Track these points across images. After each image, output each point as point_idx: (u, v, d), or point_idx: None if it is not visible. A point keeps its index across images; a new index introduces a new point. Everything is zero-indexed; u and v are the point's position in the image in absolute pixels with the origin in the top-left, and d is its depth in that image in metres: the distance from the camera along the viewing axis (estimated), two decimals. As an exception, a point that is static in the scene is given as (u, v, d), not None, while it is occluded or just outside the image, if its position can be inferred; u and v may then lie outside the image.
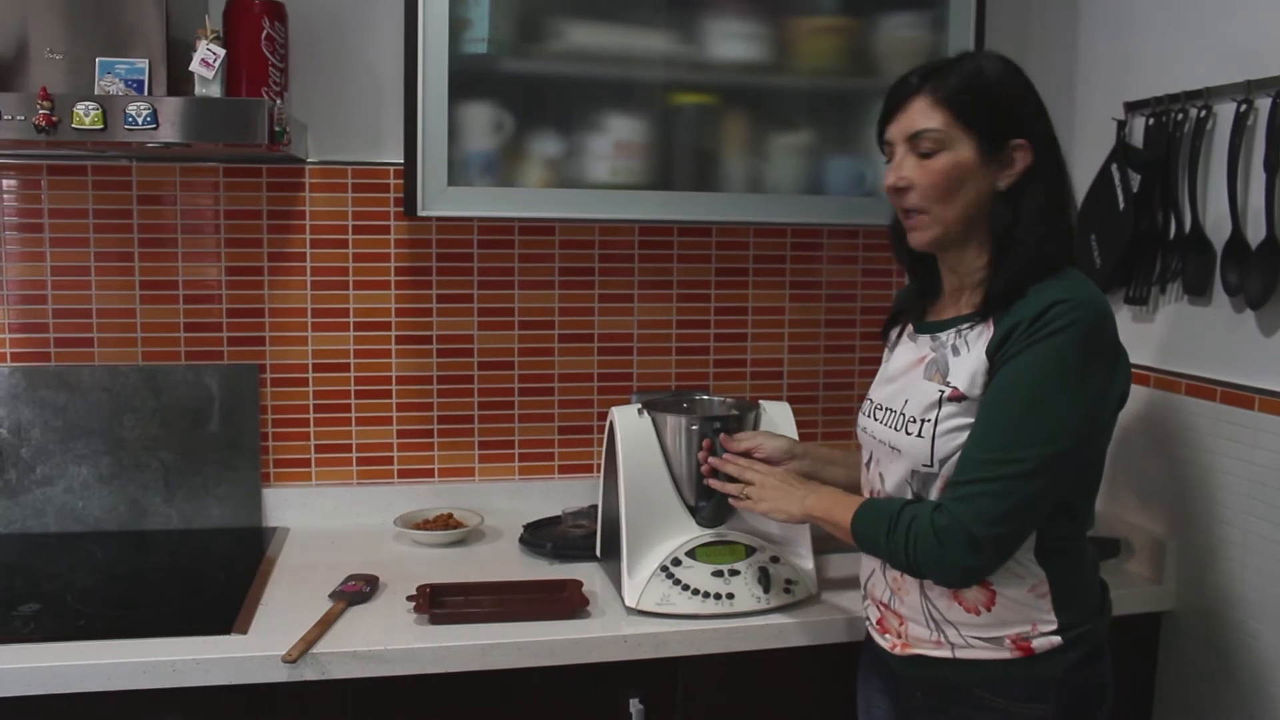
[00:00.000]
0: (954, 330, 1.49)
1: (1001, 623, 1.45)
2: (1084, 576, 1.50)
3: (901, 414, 1.51)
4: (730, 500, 1.73)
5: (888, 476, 1.53)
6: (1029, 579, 1.45)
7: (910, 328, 1.60)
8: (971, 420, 1.42)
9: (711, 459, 1.76)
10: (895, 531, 1.43)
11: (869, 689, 1.66)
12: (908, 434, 1.49)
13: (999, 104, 1.46)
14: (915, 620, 1.52)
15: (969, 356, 1.45)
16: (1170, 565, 1.96)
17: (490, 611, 1.75)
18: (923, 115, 1.46)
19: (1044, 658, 1.45)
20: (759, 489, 1.69)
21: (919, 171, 1.46)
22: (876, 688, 1.63)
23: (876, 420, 1.57)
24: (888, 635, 1.57)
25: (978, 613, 1.46)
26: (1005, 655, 1.45)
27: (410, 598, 1.75)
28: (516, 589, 1.84)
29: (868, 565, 1.62)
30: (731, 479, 1.74)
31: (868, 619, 1.63)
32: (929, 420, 1.46)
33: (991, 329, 1.43)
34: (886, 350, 1.67)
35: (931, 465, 1.45)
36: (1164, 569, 1.96)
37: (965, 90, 1.45)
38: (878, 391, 1.61)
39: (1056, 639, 1.44)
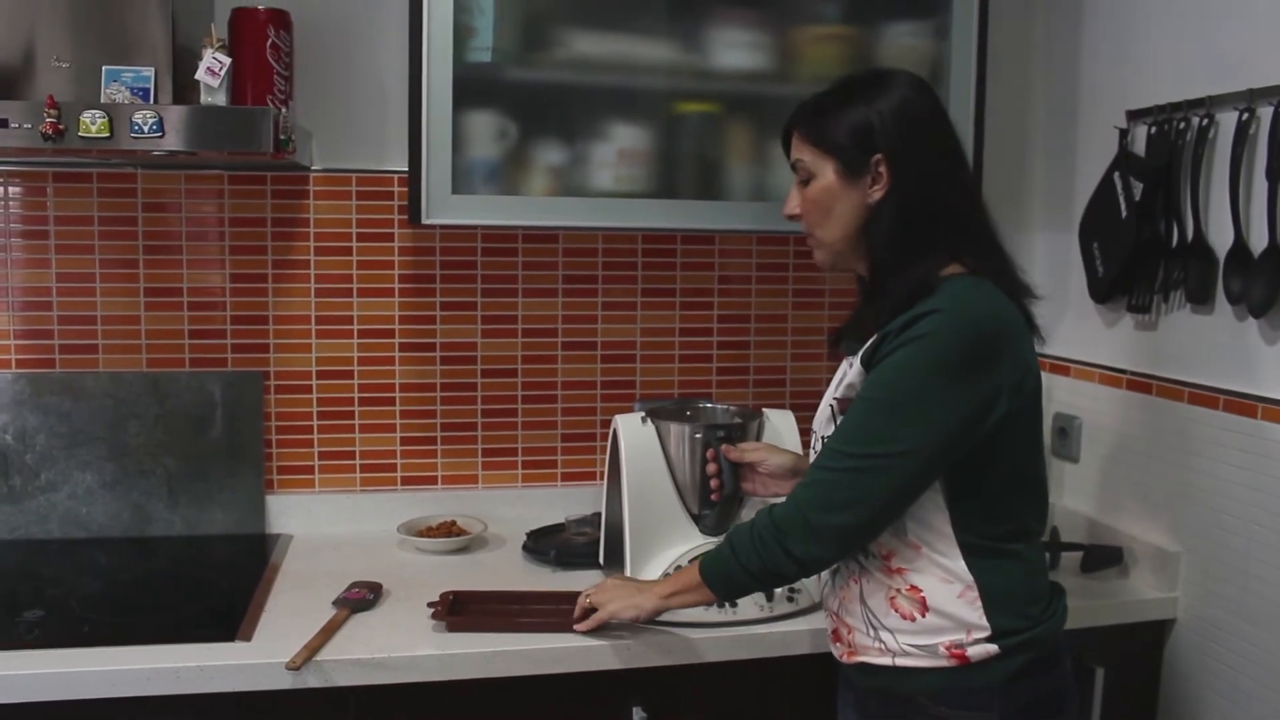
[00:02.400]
0: (862, 349, 1.51)
1: (936, 629, 1.45)
2: (1020, 582, 1.48)
3: (815, 434, 1.58)
4: (584, 617, 1.69)
5: None
6: (957, 584, 1.45)
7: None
8: None
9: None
10: (739, 545, 1.48)
11: (843, 704, 1.66)
12: (815, 451, 1.55)
13: (847, 123, 1.50)
14: (859, 629, 1.53)
15: (858, 366, 1.48)
16: (1173, 574, 1.95)
17: (510, 622, 1.75)
18: (796, 148, 1.56)
19: (981, 666, 1.44)
20: (599, 593, 1.68)
21: (800, 200, 1.56)
22: (849, 701, 1.63)
23: (812, 446, 1.62)
24: (838, 644, 1.58)
25: (912, 619, 1.46)
26: (942, 664, 1.45)
27: (431, 604, 1.75)
28: (535, 599, 1.84)
29: (823, 578, 1.63)
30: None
31: (827, 630, 1.64)
32: (827, 436, 1.51)
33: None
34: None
35: None
36: (1167, 578, 1.96)
37: (816, 117, 1.54)
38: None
39: (993, 647, 1.43)
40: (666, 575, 1.74)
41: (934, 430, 1.38)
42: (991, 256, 1.50)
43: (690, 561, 1.60)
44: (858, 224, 1.51)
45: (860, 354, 1.47)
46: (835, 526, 1.41)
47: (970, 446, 1.41)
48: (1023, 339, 1.45)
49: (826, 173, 1.51)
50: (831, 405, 1.53)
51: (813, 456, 1.57)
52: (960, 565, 1.44)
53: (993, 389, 1.40)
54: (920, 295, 1.42)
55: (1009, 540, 1.47)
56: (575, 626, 1.68)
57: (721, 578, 1.53)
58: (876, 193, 1.49)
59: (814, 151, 1.53)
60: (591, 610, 1.67)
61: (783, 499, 1.51)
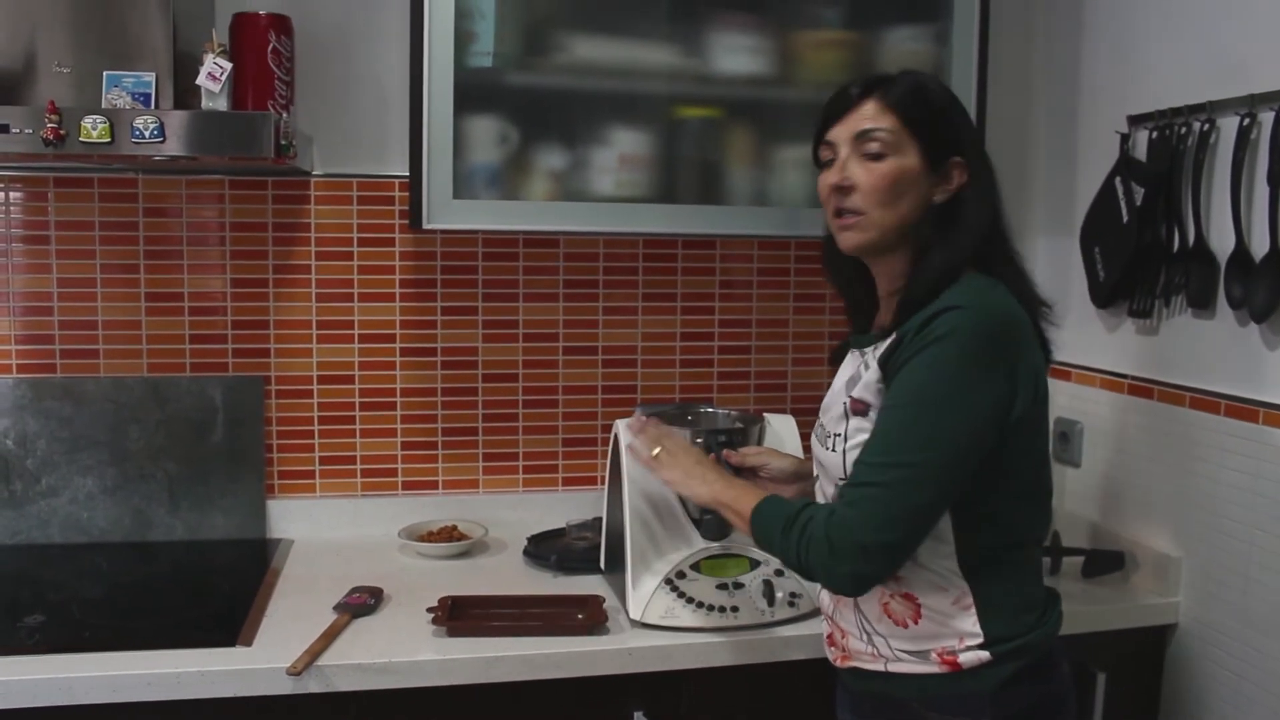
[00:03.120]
0: (874, 345, 1.49)
1: (928, 635, 1.44)
2: (1015, 589, 1.47)
3: (824, 428, 1.54)
4: (640, 458, 1.70)
5: (823, 491, 1.56)
6: (952, 591, 1.44)
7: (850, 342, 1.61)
8: None
9: (631, 424, 1.75)
10: (790, 531, 1.42)
11: (840, 707, 1.65)
12: (825, 448, 1.52)
13: (943, 117, 1.48)
14: (852, 633, 1.52)
15: (874, 368, 1.46)
16: (1175, 579, 1.95)
17: (510, 626, 1.75)
18: (872, 117, 1.46)
19: (971, 673, 1.43)
20: (668, 455, 1.67)
21: (864, 173, 1.46)
22: (845, 705, 1.63)
23: (815, 435, 1.59)
24: (833, 649, 1.58)
25: (905, 625, 1.46)
26: (933, 670, 1.44)
27: (431, 609, 1.75)
28: (536, 603, 1.84)
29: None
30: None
31: (824, 635, 1.63)
32: (840, 435, 1.48)
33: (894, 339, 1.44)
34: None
35: (847, 479, 1.46)
36: (1168, 583, 1.96)
37: (914, 98, 1.47)
38: (821, 405, 1.62)
39: (984, 654, 1.42)
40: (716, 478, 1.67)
41: (967, 425, 1.36)
42: (1009, 267, 1.50)
43: (755, 497, 1.53)
44: (916, 217, 1.47)
45: (878, 355, 1.45)
46: (886, 544, 1.37)
47: (998, 440, 1.39)
48: (1033, 343, 1.45)
49: (910, 155, 1.45)
50: (845, 404, 1.49)
51: (815, 448, 1.56)
52: (957, 573, 1.44)
53: (1013, 381, 1.39)
54: (921, 304, 1.42)
55: (1008, 549, 1.47)
56: (630, 447, 1.72)
57: (762, 534, 1.49)
58: (941, 194, 1.47)
59: (899, 126, 1.45)
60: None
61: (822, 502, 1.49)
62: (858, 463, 1.42)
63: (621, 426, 1.85)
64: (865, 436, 1.44)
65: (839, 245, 1.53)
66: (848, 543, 1.36)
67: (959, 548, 1.43)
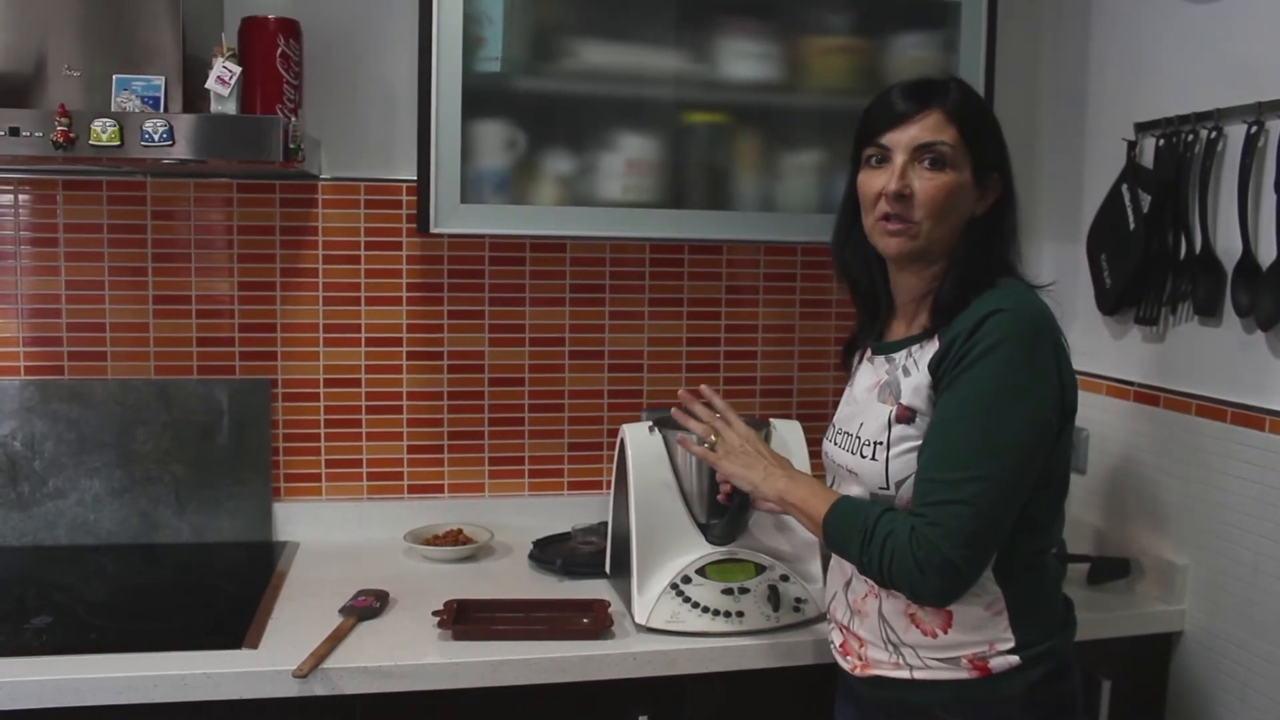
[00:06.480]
0: (906, 351, 1.50)
1: (959, 643, 1.44)
2: (1043, 593, 1.49)
3: (857, 437, 1.52)
4: (692, 450, 1.67)
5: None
6: (985, 597, 1.44)
7: (869, 350, 1.61)
8: (921, 440, 1.43)
9: (676, 411, 1.72)
10: (870, 545, 1.41)
11: (843, 716, 1.65)
12: (862, 457, 1.50)
13: (991, 134, 1.50)
14: (874, 643, 1.51)
15: (917, 374, 1.46)
16: (1180, 587, 1.95)
17: (515, 630, 1.75)
18: (935, 128, 1.45)
19: (1002, 677, 1.43)
20: (724, 445, 1.64)
21: (923, 183, 1.45)
22: (849, 714, 1.62)
23: (836, 444, 1.58)
24: (849, 657, 1.57)
25: (934, 635, 1.45)
26: (963, 675, 1.44)
27: (436, 613, 1.75)
28: (541, 607, 1.84)
29: (830, 589, 1.62)
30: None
31: (831, 642, 1.63)
32: (882, 443, 1.47)
33: (936, 344, 1.44)
34: (850, 374, 1.67)
35: (888, 488, 1.46)
36: (1174, 591, 1.95)
37: (971, 112, 1.48)
38: (839, 414, 1.62)
39: (1014, 658, 1.43)
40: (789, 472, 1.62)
41: (1033, 429, 1.38)
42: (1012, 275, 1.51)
43: (825, 499, 1.50)
44: (960, 228, 1.48)
45: (926, 361, 1.44)
46: (972, 559, 1.37)
47: (1053, 440, 1.41)
48: (1065, 341, 1.46)
49: (964, 169, 1.46)
50: (891, 412, 1.47)
51: (839, 455, 1.55)
52: (992, 580, 1.44)
53: (1060, 378, 1.41)
54: (958, 308, 1.43)
55: (1039, 554, 1.48)
56: (681, 440, 1.66)
57: (836, 541, 1.48)
58: (981, 207, 1.49)
59: (959, 141, 1.45)
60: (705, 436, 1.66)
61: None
62: (928, 479, 1.40)
63: (628, 431, 1.86)
64: (911, 444, 1.43)
65: (881, 249, 1.51)
66: (936, 560, 1.36)
67: (999, 554, 1.43)
